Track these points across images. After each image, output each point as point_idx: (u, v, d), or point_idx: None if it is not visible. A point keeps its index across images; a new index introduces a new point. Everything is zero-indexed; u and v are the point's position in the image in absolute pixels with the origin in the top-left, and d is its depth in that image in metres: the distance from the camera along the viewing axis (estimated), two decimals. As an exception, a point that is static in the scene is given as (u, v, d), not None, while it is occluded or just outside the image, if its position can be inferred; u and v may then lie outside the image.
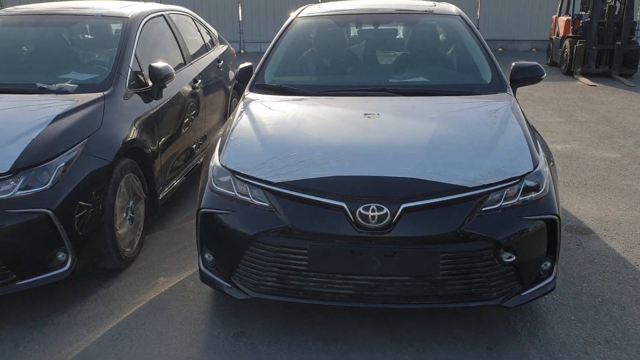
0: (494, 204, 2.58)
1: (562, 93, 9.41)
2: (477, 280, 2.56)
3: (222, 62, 5.67)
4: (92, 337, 2.79)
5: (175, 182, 4.26)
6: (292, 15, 4.31)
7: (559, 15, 12.93)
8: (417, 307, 2.66)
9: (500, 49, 15.93)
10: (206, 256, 2.84)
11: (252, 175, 2.70)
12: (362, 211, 2.50)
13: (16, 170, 2.81)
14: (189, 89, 4.58)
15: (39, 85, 3.53)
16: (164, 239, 3.86)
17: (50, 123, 3.09)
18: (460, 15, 4.17)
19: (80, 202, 2.99)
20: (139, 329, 2.86)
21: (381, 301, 2.60)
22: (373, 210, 2.50)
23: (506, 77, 3.64)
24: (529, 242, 2.60)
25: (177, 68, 4.54)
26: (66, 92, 3.50)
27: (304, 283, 2.62)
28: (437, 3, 4.43)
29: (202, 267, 2.88)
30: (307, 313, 2.95)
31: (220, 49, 5.92)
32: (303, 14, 4.31)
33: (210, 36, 5.87)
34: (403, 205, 2.51)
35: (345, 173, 2.62)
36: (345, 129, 2.98)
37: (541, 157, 2.85)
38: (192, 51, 5.08)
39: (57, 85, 3.54)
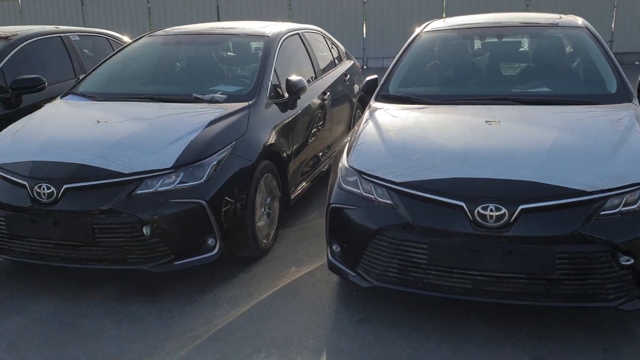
0: (614, 209, 2.65)
1: None
2: (593, 282, 2.64)
3: (348, 76, 6.04)
4: (235, 314, 3.20)
5: (304, 185, 4.65)
6: (417, 30, 4.57)
7: None
8: (532, 305, 2.77)
9: (637, 62, 15.02)
10: (334, 247, 3.15)
11: (377, 175, 2.98)
12: (481, 211, 2.68)
13: (177, 166, 3.32)
14: (318, 100, 4.98)
15: (194, 95, 4.08)
16: (294, 235, 4.24)
17: (205, 127, 3.59)
18: (586, 27, 4.19)
19: (226, 197, 3.44)
20: (274, 309, 3.24)
21: (497, 296, 2.76)
22: (491, 210, 2.67)
23: (634, 89, 3.62)
24: (649, 247, 2.63)
25: (309, 81, 4.96)
26: (217, 101, 4.01)
27: (423, 275, 2.84)
28: (562, 16, 4.47)
29: (330, 257, 3.20)
30: (426, 303, 3.16)
31: (347, 64, 6.30)
32: (428, 28, 4.55)
33: (339, 52, 6.27)
34: (521, 207, 2.66)
35: (465, 175, 2.82)
36: (466, 135, 3.17)
37: None
38: (322, 66, 5.49)
39: (209, 95, 4.07)
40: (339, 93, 5.59)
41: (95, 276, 3.62)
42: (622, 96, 3.52)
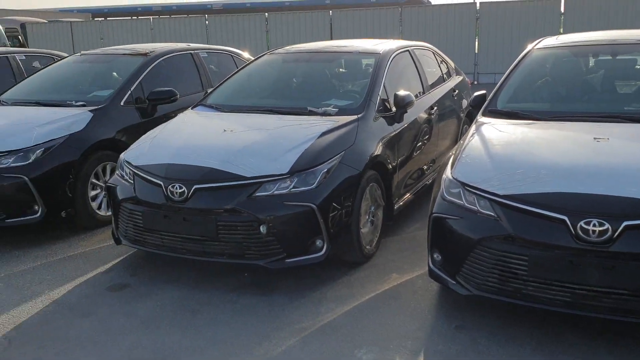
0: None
1: None
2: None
3: (457, 91, 6.13)
4: (338, 312, 3.43)
5: (408, 197, 4.81)
6: (529, 46, 4.60)
7: None
8: (634, 321, 2.75)
9: None
10: (435, 256, 3.30)
11: (480, 187, 3.10)
12: (584, 225, 2.73)
13: (292, 172, 3.63)
14: (425, 115, 5.13)
15: (309, 108, 4.40)
16: (396, 244, 4.42)
17: (318, 138, 3.89)
18: None
19: (334, 203, 3.69)
20: (376, 311, 3.43)
21: (597, 311, 2.77)
22: (594, 225, 2.71)
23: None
24: None
25: (416, 96, 5.13)
26: (329, 114, 4.30)
27: (523, 286, 2.91)
28: None
29: (431, 265, 3.34)
30: (524, 315, 3.21)
31: (455, 80, 6.39)
32: (540, 45, 4.57)
33: (448, 68, 6.39)
34: (625, 223, 2.67)
35: (569, 190, 2.87)
36: (572, 151, 3.21)
37: None
38: (430, 81, 5.64)
39: (322, 109, 4.37)
40: (446, 108, 5.70)
41: (216, 269, 4.01)
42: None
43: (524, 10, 16.89)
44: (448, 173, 3.37)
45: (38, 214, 4.62)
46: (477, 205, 3.08)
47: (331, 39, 18.10)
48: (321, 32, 18.94)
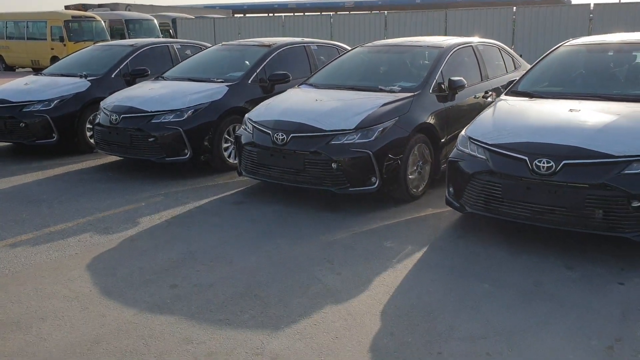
0: (631, 170, 3.81)
1: None
2: (614, 217, 3.81)
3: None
4: (381, 224, 4.96)
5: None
6: (560, 44, 5.79)
7: None
8: (568, 229, 4.02)
9: None
10: (450, 189, 4.72)
11: (478, 139, 4.49)
12: (537, 163, 4.05)
13: (357, 128, 5.20)
14: (479, 97, 6.44)
15: (379, 87, 5.94)
16: (438, 192, 5.83)
17: (380, 107, 5.42)
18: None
19: (389, 154, 5.21)
20: (407, 225, 4.92)
21: (547, 223, 4.07)
22: (544, 163, 4.02)
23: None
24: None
25: (475, 83, 6.46)
26: (393, 91, 5.81)
27: (499, 205, 4.27)
28: None
29: (447, 196, 4.77)
30: (507, 233, 4.55)
31: (520, 72, 7.55)
32: (567, 43, 5.75)
33: (513, 62, 7.57)
34: (564, 162, 3.96)
35: (532, 140, 4.19)
36: (549, 117, 4.49)
37: None
38: (490, 71, 6.91)
39: (389, 87, 5.89)
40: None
41: (304, 193, 5.70)
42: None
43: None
44: (463, 131, 4.77)
45: (187, 156, 6.59)
46: (476, 152, 4.47)
47: (445, 34, 19.38)
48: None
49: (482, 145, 4.43)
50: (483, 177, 4.33)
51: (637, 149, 3.92)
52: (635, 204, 3.79)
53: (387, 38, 20.90)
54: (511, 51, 7.68)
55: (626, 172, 3.87)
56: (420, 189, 5.69)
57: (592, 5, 17.59)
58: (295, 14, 47.84)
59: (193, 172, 6.81)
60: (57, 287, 3.85)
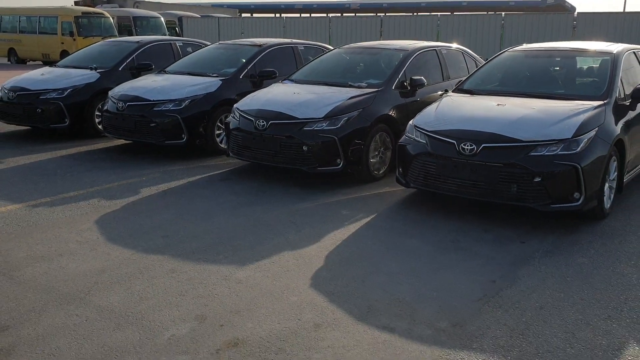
0: (539, 152, 4.73)
1: None
2: (521, 190, 4.75)
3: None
4: (342, 198, 5.89)
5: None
6: (504, 50, 6.72)
7: None
8: (488, 200, 4.96)
9: None
10: (399, 169, 5.66)
11: (421, 127, 5.43)
12: (463, 146, 4.98)
13: (325, 117, 6.14)
14: (435, 94, 7.37)
15: (348, 83, 6.88)
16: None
17: (347, 99, 6.36)
18: (613, 53, 5.93)
19: (352, 139, 6.14)
20: (364, 199, 5.86)
21: (471, 195, 5.01)
22: (468, 146, 4.95)
23: (621, 92, 5.42)
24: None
25: (437, 82, 7.41)
26: (361, 87, 6.75)
27: (435, 181, 5.21)
28: (604, 44, 6.26)
29: (397, 175, 5.70)
30: (437, 205, 5.49)
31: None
32: (511, 49, 6.69)
33: (476, 65, 8.48)
34: (483, 145, 4.90)
35: (461, 128, 5.13)
36: (478, 110, 5.43)
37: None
38: (452, 73, 7.83)
39: (357, 83, 6.84)
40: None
41: (281, 172, 6.65)
42: (599, 96, 5.38)
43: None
44: (411, 121, 5.71)
45: (184, 140, 7.54)
46: (419, 138, 5.40)
47: (438, 37, 20.30)
48: (429, 32, 21.18)
49: (423, 131, 5.37)
50: (423, 158, 5.26)
51: (542, 136, 4.85)
52: (537, 179, 4.73)
53: (382, 39, 21.85)
54: (475, 55, 8.60)
55: (532, 154, 4.80)
56: (382, 171, 6.63)
57: (575, 14, 18.53)
58: (302, 15, 48.97)
59: (189, 155, 7.76)
60: (72, 235, 4.81)
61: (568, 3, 52.31)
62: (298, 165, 6.23)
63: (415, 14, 34.65)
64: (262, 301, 3.66)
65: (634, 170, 5.87)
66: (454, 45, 8.39)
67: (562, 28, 18.01)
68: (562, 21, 18.15)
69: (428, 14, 21.51)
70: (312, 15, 34.53)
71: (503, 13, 19.80)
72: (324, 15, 27.71)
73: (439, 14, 21.02)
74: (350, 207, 5.60)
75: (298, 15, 45.97)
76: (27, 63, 24.90)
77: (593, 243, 4.66)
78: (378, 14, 23.49)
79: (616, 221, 5.19)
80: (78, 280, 3.95)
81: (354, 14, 39.92)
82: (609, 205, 5.24)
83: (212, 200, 5.83)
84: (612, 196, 5.32)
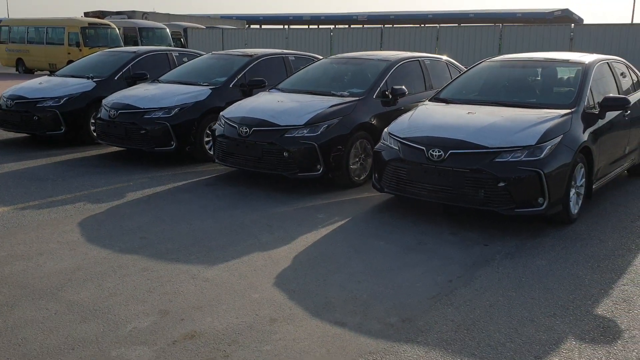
0: (504, 158, 4.89)
1: None
2: (486, 195, 4.90)
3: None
4: (320, 202, 6.06)
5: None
6: (481, 60, 6.89)
7: None
8: (455, 204, 5.11)
9: None
10: (375, 175, 5.83)
11: (394, 134, 5.60)
12: (431, 152, 5.15)
13: (306, 124, 6.33)
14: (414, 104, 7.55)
15: (332, 92, 7.07)
16: (378, 180, 6.94)
17: (328, 107, 6.55)
18: (587, 63, 6.08)
19: (332, 146, 6.33)
20: (342, 203, 6.02)
21: (437, 199, 5.17)
22: (436, 152, 5.12)
23: (590, 101, 5.57)
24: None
25: (419, 92, 7.58)
26: (343, 96, 6.94)
27: (406, 186, 5.37)
28: (575, 54, 6.41)
29: (373, 180, 5.87)
30: (416, 206, 5.64)
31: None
32: (487, 60, 6.86)
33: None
34: (450, 151, 5.06)
35: (430, 135, 5.30)
36: (449, 118, 5.60)
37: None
38: (435, 83, 7.99)
39: (339, 92, 7.03)
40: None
41: (264, 177, 6.83)
42: (567, 104, 5.53)
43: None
44: (386, 129, 5.89)
45: (173, 147, 7.75)
46: (392, 144, 5.58)
47: (437, 48, 20.52)
48: (429, 43, 21.38)
49: (396, 138, 5.54)
50: (395, 164, 5.43)
51: (507, 143, 5.01)
52: (501, 184, 4.88)
53: (383, 50, 22.11)
54: (460, 66, 8.77)
55: (497, 160, 4.95)
56: (362, 177, 6.80)
57: (572, 26, 18.68)
58: (310, 26, 49.46)
59: (178, 161, 7.97)
60: (54, 236, 5.01)
61: (575, 15, 52.62)
62: (279, 170, 6.41)
63: (422, 25, 34.99)
64: (225, 298, 3.83)
65: (607, 176, 6.00)
66: (444, 58, 8.58)
67: (559, 40, 18.19)
68: (559, 33, 18.35)
69: (428, 25, 21.65)
70: (319, 27, 34.99)
71: (501, 25, 20.01)
72: (329, 27, 28.02)
73: (438, 25, 21.22)
74: (326, 211, 5.77)
75: (305, 26, 46.48)
76: (35, 73, 25.34)
77: (555, 246, 4.80)
78: (385, 25, 23.75)
79: (582, 226, 5.32)
80: (53, 277, 4.14)
81: (361, 26, 40.28)
82: (576, 211, 5.37)
83: (194, 204, 6.02)
84: (580, 202, 5.45)
